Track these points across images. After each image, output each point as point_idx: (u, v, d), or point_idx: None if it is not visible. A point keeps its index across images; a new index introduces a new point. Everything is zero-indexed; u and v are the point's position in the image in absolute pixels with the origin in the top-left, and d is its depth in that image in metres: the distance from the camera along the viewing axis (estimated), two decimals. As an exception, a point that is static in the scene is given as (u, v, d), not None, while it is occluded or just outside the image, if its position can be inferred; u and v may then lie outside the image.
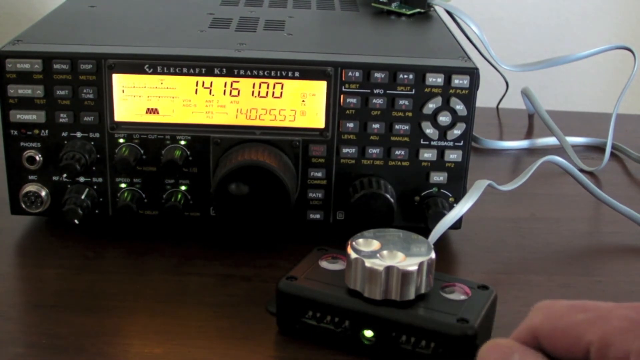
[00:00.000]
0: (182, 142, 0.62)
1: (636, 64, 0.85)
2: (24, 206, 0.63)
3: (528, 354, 0.37)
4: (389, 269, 0.48)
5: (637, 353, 0.33)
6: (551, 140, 0.89)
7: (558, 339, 0.36)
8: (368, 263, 0.48)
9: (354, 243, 0.50)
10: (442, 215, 0.62)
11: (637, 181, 0.82)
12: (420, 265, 0.48)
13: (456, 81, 0.61)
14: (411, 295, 0.49)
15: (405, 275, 0.48)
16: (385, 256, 0.49)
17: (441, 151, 0.63)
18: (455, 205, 0.63)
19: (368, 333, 0.50)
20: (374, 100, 0.61)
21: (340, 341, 0.50)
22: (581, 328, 0.35)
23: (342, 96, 0.61)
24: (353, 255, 0.49)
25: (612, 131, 0.85)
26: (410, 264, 0.48)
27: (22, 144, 0.62)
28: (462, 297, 0.50)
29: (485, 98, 0.79)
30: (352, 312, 0.50)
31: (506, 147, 0.88)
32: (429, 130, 0.62)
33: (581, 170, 0.83)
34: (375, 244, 0.50)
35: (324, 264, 0.54)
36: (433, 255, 0.49)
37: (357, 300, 0.49)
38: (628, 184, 0.81)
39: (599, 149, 0.88)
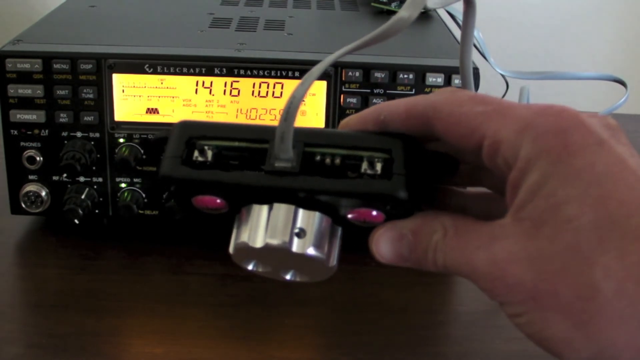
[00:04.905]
0: (182, 142, 0.62)
1: (626, 95, 0.83)
2: (24, 206, 0.63)
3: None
4: None
5: (524, 158, 0.32)
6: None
7: (453, 125, 0.34)
8: None
9: None
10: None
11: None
12: None
13: (456, 81, 0.61)
14: None
15: None
16: None
17: (441, 151, 0.63)
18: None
19: None
20: (374, 100, 0.61)
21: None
22: (477, 120, 0.34)
23: (342, 96, 0.61)
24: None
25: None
26: None
27: (22, 144, 0.62)
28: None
29: (485, 98, 0.78)
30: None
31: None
32: (429, 130, 0.62)
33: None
34: None
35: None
36: None
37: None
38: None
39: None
